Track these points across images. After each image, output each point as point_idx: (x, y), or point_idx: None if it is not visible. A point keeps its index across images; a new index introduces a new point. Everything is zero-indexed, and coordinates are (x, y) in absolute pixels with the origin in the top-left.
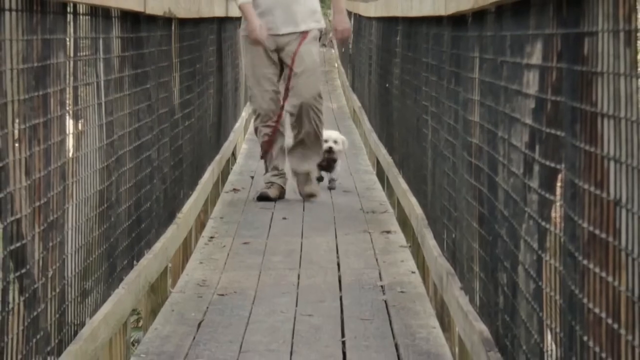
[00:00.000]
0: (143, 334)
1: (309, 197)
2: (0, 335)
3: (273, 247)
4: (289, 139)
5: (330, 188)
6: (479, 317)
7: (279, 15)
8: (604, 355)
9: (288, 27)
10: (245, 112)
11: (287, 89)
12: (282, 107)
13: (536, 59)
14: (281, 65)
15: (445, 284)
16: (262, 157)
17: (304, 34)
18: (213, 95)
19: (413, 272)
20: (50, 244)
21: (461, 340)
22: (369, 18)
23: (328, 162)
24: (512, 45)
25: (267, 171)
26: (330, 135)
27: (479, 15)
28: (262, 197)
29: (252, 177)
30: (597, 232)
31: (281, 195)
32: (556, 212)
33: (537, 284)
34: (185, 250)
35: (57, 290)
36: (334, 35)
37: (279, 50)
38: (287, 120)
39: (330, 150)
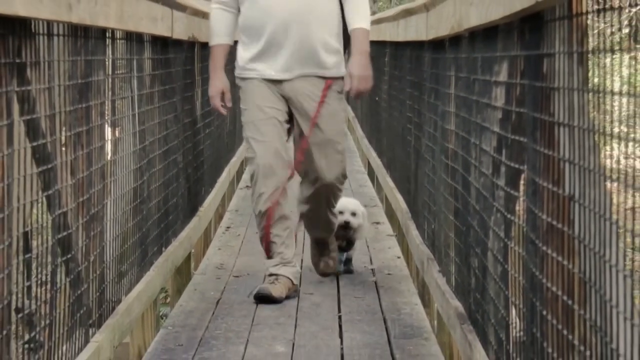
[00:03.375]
0: (170, 310)
1: (323, 275)
2: (50, 310)
3: None
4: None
5: (347, 271)
6: (454, 295)
7: (285, 55)
8: (560, 327)
9: (301, 68)
10: None
11: (300, 150)
12: (292, 175)
13: (503, 76)
14: (290, 114)
15: (425, 267)
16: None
17: (327, 83)
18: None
19: (398, 257)
20: (92, 233)
21: (439, 315)
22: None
23: (344, 241)
24: (483, 65)
25: (269, 257)
26: (346, 205)
27: (454, 40)
28: (261, 297)
29: None
30: (554, 223)
31: (290, 294)
32: (520, 206)
33: (504, 267)
34: (206, 238)
35: (98, 272)
36: (347, 84)
37: (285, 97)
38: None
39: (346, 226)
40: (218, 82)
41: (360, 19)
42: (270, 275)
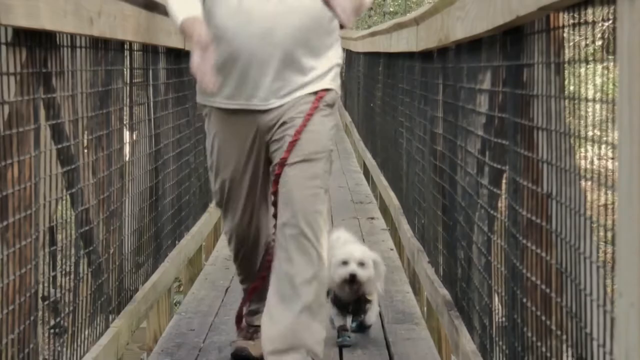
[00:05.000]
0: (183, 297)
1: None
2: (73, 298)
3: None
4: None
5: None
6: (442, 285)
7: (265, 74)
8: (538, 313)
9: (286, 96)
10: None
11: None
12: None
13: (486, 85)
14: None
15: (416, 258)
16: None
17: (317, 96)
18: None
19: (391, 249)
20: (112, 227)
21: (429, 302)
22: (358, 52)
23: (354, 300)
24: (468, 74)
25: (247, 303)
26: (351, 253)
27: (442, 51)
28: (239, 357)
29: None
30: (533, 218)
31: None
32: (502, 203)
33: (487, 259)
34: (216, 232)
35: (117, 263)
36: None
37: (262, 132)
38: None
39: (353, 280)
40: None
41: None
42: (250, 327)
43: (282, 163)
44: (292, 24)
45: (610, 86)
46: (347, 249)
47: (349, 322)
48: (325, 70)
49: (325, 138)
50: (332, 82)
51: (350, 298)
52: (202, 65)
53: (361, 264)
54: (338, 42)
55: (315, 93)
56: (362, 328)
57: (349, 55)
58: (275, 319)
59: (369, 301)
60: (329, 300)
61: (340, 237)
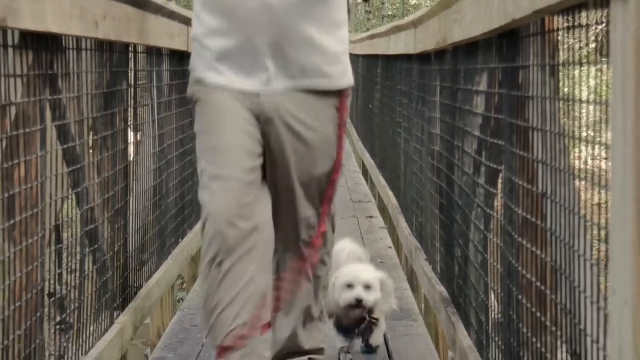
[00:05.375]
0: (186, 294)
1: None
2: (79, 294)
3: None
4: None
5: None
6: (439, 282)
7: (262, 58)
8: (534, 310)
9: (286, 80)
10: None
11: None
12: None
13: (483, 86)
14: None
15: (414, 256)
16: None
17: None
18: None
19: (390, 247)
20: (116, 226)
21: (426, 299)
22: (357, 55)
23: (359, 324)
24: (465, 76)
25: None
26: (357, 276)
27: (440, 53)
28: None
29: None
30: (529, 217)
31: None
32: (498, 202)
33: (484, 257)
34: None
35: (121, 261)
36: None
37: (262, 121)
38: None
39: (358, 305)
40: None
41: None
42: None
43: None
44: None
45: (604, 88)
46: (352, 270)
47: (357, 343)
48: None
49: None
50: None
51: (355, 324)
52: None
53: (367, 286)
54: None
55: (340, 93)
56: (369, 349)
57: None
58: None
59: (375, 323)
60: (332, 323)
61: (345, 249)
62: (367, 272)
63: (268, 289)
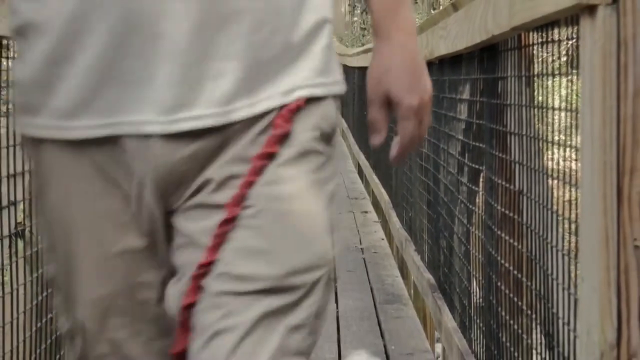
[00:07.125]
0: None
1: None
2: None
3: None
4: None
5: None
6: (427, 270)
7: (165, 70)
8: (511, 295)
9: (209, 107)
10: None
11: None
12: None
13: (466, 95)
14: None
15: (404, 246)
16: None
17: (274, 123)
18: None
19: (382, 239)
20: None
21: (415, 285)
22: (353, 67)
23: None
24: (450, 86)
25: None
26: None
27: (427, 65)
28: None
29: None
30: (507, 212)
31: None
32: (479, 199)
33: (466, 247)
34: None
35: None
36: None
37: (160, 181)
38: None
39: None
40: None
41: None
42: None
43: (199, 276)
44: None
45: (574, 97)
46: None
47: None
48: (302, 35)
49: (316, 232)
50: (324, 71)
51: None
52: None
53: None
54: None
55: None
56: None
57: (345, 70)
58: None
59: None
60: None
61: None
62: None
63: None
